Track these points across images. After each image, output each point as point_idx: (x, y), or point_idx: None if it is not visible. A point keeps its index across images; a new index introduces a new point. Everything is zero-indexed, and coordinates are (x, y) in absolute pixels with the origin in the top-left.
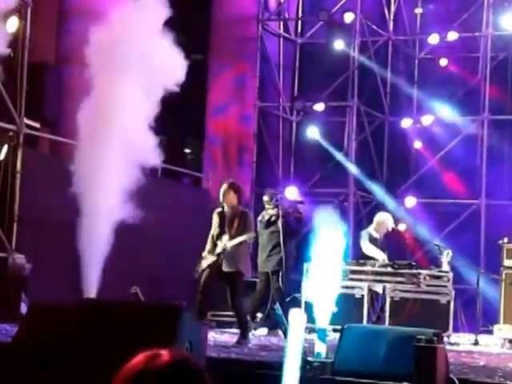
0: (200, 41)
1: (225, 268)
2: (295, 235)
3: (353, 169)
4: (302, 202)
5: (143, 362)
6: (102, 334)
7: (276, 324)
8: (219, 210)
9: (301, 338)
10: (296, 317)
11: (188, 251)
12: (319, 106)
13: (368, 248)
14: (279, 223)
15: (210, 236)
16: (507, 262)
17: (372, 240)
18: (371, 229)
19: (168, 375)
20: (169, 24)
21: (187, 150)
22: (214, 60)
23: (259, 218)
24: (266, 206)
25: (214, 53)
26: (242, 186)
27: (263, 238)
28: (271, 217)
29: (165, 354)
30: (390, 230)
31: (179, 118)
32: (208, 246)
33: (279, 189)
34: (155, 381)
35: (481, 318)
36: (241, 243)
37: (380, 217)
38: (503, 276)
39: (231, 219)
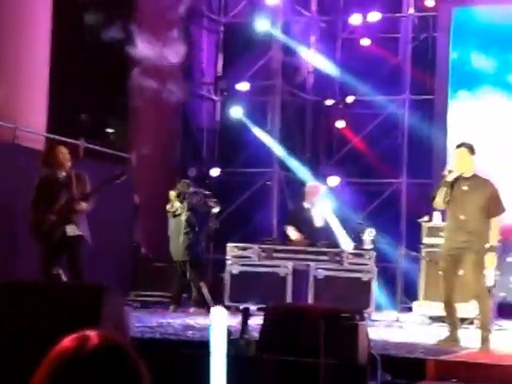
0: (123, 19)
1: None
2: (201, 228)
3: (276, 148)
4: (216, 199)
5: (72, 345)
6: (23, 316)
7: (200, 303)
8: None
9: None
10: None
11: (113, 231)
12: (243, 86)
13: (288, 228)
14: (183, 217)
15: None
16: (427, 240)
17: (304, 211)
18: (304, 202)
19: (98, 358)
20: (91, 4)
21: (110, 130)
22: (137, 38)
23: (167, 206)
24: (172, 199)
25: (138, 31)
26: (167, 167)
27: (171, 227)
28: (177, 210)
29: (94, 336)
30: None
31: (102, 97)
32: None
33: (203, 169)
34: (86, 365)
35: (401, 295)
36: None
37: (307, 186)
38: (423, 254)
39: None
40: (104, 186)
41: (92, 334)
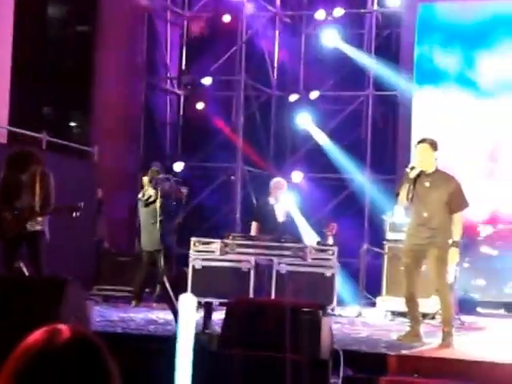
0: (87, 12)
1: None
2: (174, 215)
3: (240, 143)
4: (185, 185)
5: (41, 340)
6: None
7: (163, 298)
8: None
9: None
10: (186, 297)
11: (74, 224)
12: (207, 80)
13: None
14: (157, 204)
15: None
16: (390, 236)
17: (268, 206)
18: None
19: (69, 352)
20: None
21: (73, 124)
22: (101, 32)
23: (139, 195)
24: (145, 187)
25: (102, 25)
26: (130, 161)
27: (143, 217)
28: (150, 197)
29: (64, 330)
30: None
31: (65, 91)
32: None
33: (165, 163)
34: (57, 358)
35: (364, 291)
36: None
37: (272, 181)
38: (386, 249)
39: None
40: (60, 211)
41: (63, 328)
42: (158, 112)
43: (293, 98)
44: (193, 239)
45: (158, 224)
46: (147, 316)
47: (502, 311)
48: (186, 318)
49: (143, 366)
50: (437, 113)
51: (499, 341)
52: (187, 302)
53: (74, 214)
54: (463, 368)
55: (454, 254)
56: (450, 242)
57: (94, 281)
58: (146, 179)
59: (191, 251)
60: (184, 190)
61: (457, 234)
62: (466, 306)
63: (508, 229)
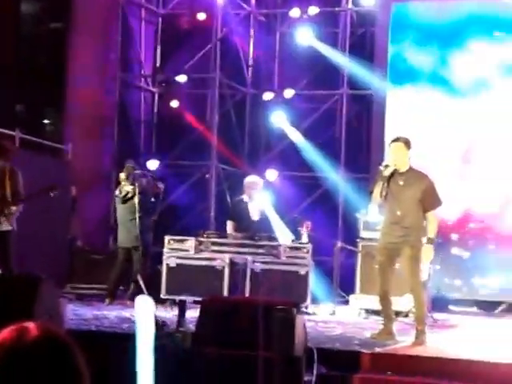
0: (60, 9)
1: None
2: (152, 211)
3: (215, 141)
4: (161, 181)
5: (10, 338)
6: None
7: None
8: None
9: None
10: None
11: (48, 222)
12: (181, 78)
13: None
14: (135, 200)
15: None
16: (364, 234)
17: (243, 204)
18: (244, 195)
19: (39, 350)
20: None
21: (46, 121)
22: (74, 29)
23: (116, 192)
24: (122, 183)
25: (75, 22)
26: (104, 158)
27: (120, 213)
28: (127, 193)
29: (32, 328)
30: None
31: (38, 88)
32: None
33: (140, 161)
34: (26, 356)
35: (338, 289)
36: None
37: (246, 179)
38: (360, 247)
39: None
40: (35, 197)
41: (31, 326)
42: (132, 110)
43: (267, 96)
44: (167, 237)
45: (136, 220)
46: (121, 314)
47: (474, 309)
48: (144, 318)
49: (116, 363)
50: (411, 112)
51: (472, 339)
52: (144, 303)
53: (52, 194)
54: (436, 366)
55: (428, 252)
56: (425, 239)
57: (68, 279)
58: (122, 175)
59: (165, 249)
60: (161, 186)
61: (431, 232)
62: (439, 304)
63: (480, 228)
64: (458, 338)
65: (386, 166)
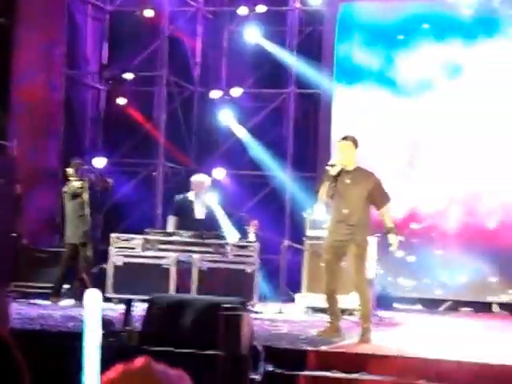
0: (4, 4)
1: None
2: (101, 207)
3: (162, 139)
4: (108, 177)
5: None
6: None
7: (83, 295)
8: None
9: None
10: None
11: None
12: (129, 75)
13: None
14: (85, 196)
15: None
16: (310, 233)
17: (189, 202)
18: (189, 193)
19: None
20: None
21: None
22: (19, 24)
23: (64, 189)
24: (70, 179)
25: (20, 17)
26: (50, 156)
27: (69, 210)
28: (76, 189)
29: None
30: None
31: None
32: None
33: (86, 159)
34: None
35: (285, 287)
36: None
37: (193, 177)
38: (306, 246)
39: None
40: None
41: None
42: (78, 107)
43: (215, 94)
44: (112, 235)
45: (85, 217)
46: (66, 313)
47: (418, 307)
48: (93, 314)
49: (61, 363)
50: (357, 111)
51: (416, 336)
52: (92, 298)
53: None
54: (382, 363)
55: (393, 239)
56: (370, 238)
57: (13, 277)
58: (70, 171)
59: (111, 247)
60: (110, 180)
61: (389, 222)
62: (384, 302)
63: (425, 227)
64: (403, 336)
65: (333, 166)
